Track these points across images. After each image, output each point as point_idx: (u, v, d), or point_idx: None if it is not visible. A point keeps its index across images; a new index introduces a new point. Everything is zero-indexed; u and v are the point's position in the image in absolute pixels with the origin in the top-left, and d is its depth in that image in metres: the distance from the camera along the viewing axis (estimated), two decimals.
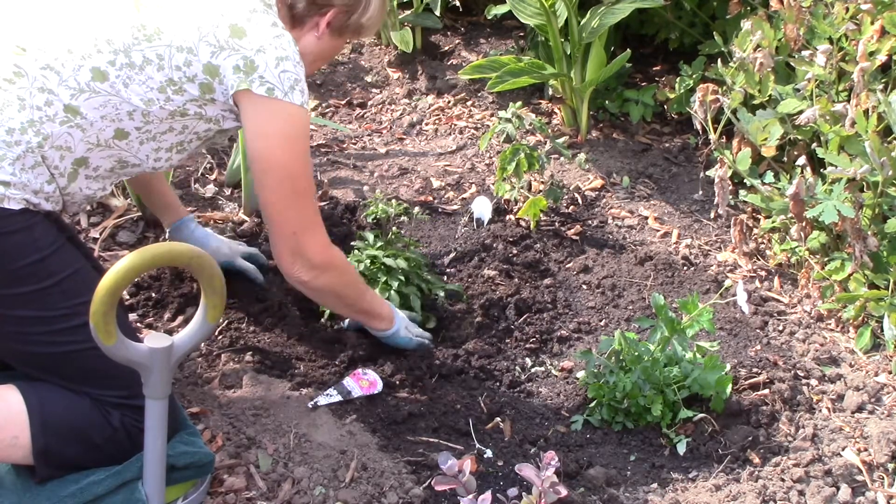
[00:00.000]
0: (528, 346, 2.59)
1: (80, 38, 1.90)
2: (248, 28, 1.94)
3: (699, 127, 2.98)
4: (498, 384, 2.46)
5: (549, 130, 3.41)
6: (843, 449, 2.26)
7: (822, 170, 2.71)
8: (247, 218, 3.01)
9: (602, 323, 2.71)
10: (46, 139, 1.87)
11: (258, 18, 1.97)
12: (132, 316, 2.53)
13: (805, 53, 2.87)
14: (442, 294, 2.63)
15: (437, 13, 4.14)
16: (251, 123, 1.99)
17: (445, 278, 2.82)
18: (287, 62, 1.96)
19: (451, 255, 2.89)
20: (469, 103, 3.86)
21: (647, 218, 3.18)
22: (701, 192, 3.29)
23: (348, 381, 2.35)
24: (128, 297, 2.58)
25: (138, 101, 1.92)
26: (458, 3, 4.33)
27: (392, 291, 2.53)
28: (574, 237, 3.06)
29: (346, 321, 2.57)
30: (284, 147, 2.01)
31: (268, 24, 1.98)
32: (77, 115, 1.89)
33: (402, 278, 2.54)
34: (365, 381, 2.35)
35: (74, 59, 1.88)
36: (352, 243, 2.73)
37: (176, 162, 2.12)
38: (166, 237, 2.66)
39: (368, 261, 2.55)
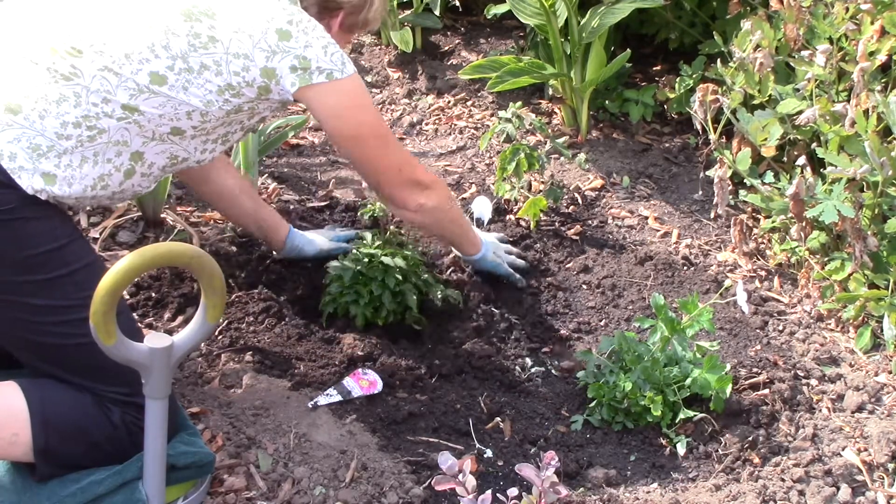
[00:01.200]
0: (528, 346, 2.59)
1: (137, 43, 1.91)
2: (292, 30, 2.01)
3: (699, 127, 2.98)
4: (498, 384, 2.46)
5: (549, 130, 3.41)
6: (843, 449, 2.26)
7: (822, 170, 2.71)
8: None
9: (602, 323, 2.71)
10: (102, 133, 1.90)
11: (295, 18, 2.04)
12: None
13: (805, 53, 2.87)
14: (440, 295, 2.63)
15: (437, 13, 4.13)
16: (324, 109, 2.11)
17: (445, 277, 2.81)
18: (331, 45, 2.07)
19: (451, 254, 2.89)
20: (469, 103, 3.86)
21: (647, 218, 3.18)
22: (701, 192, 3.29)
23: (348, 381, 2.35)
24: (128, 297, 2.58)
25: (198, 103, 1.97)
26: (458, 3, 4.32)
27: (388, 290, 2.52)
28: (574, 237, 3.06)
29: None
30: (360, 115, 2.17)
31: (305, 19, 2.06)
32: (135, 112, 1.92)
33: (400, 277, 2.54)
34: (365, 381, 2.35)
35: (132, 64, 1.90)
36: (350, 243, 2.73)
37: (218, 153, 2.19)
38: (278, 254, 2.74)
39: (366, 259, 2.54)
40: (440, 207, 2.41)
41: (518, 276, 2.76)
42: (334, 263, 2.58)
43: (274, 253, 2.76)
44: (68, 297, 1.85)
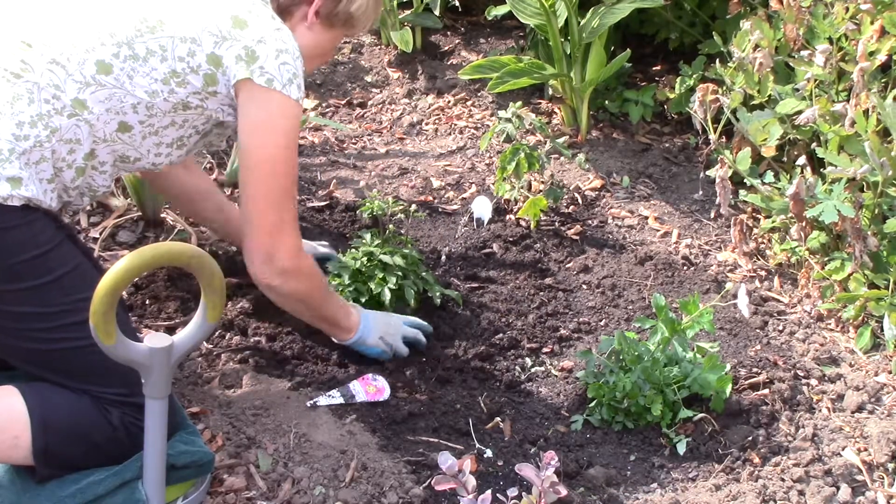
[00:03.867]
0: (528, 346, 2.59)
1: (84, 32, 1.91)
2: (250, 20, 1.96)
3: (699, 127, 2.98)
4: (498, 384, 2.46)
5: (549, 130, 3.41)
6: (843, 449, 2.26)
7: (822, 170, 2.71)
8: None
9: (602, 323, 2.71)
10: (55, 132, 1.87)
11: (258, 10, 2.00)
12: (132, 316, 2.53)
13: (804, 53, 2.87)
14: (438, 294, 2.63)
15: (437, 13, 4.14)
16: (247, 114, 2.00)
17: (444, 277, 2.81)
18: (286, 55, 1.98)
19: (451, 254, 2.89)
20: (469, 103, 3.86)
21: (647, 218, 3.18)
22: (701, 192, 3.29)
23: (354, 385, 2.34)
24: (127, 297, 2.58)
25: (142, 94, 1.94)
26: (457, 3, 4.32)
27: (387, 288, 2.51)
28: (574, 237, 3.06)
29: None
30: (273, 140, 2.03)
31: (268, 16, 2.01)
32: (84, 109, 1.90)
33: (399, 274, 2.54)
34: (372, 387, 2.34)
35: (79, 53, 1.89)
36: (349, 242, 2.73)
37: (175, 159, 2.13)
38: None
39: (365, 258, 2.54)
40: (294, 297, 2.21)
41: (405, 350, 2.46)
42: (334, 262, 2.58)
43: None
44: (56, 303, 1.84)
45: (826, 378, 2.51)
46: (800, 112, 2.77)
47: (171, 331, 2.43)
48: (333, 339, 2.44)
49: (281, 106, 1.99)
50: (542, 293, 2.79)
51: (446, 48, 4.23)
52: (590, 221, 3.14)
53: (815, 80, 2.82)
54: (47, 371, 1.89)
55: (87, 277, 1.83)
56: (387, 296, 2.50)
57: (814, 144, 2.85)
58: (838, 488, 2.14)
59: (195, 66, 1.94)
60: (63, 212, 2.03)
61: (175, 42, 1.93)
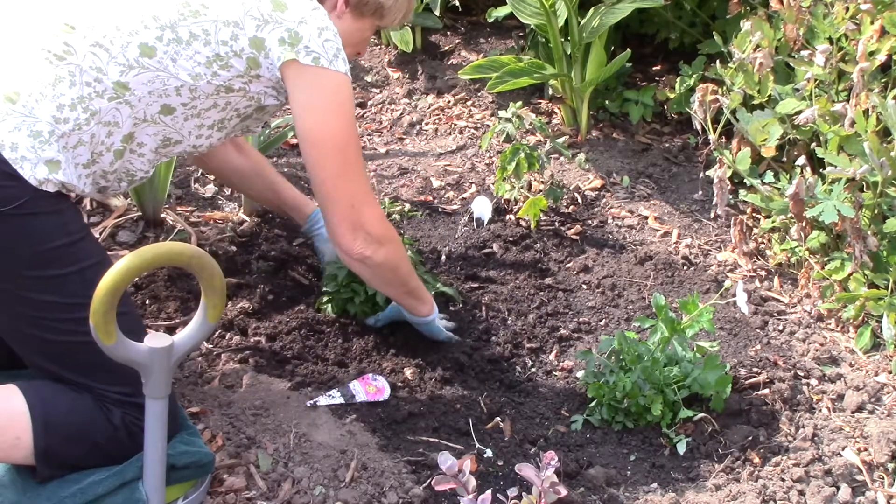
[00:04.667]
0: (528, 346, 2.59)
1: (127, 16, 1.92)
2: (289, 2, 1.98)
3: (699, 127, 2.98)
4: (498, 384, 2.46)
5: (549, 130, 3.41)
6: (843, 449, 2.26)
7: (821, 170, 2.71)
8: (247, 218, 3.01)
9: (602, 323, 2.71)
10: (94, 115, 1.88)
11: None
12: None
13: (804, 53, 2.87)
14: (439, 294, 2.63)
15: (437, 13, 4.14)
16: (299, 95, 2.01)
17: (444, 278, 2.81)
18: (328, 31, 2.00)
19: (451, 254, 2.89)
20: (469, 103, 3.86)
21: (647, 218, 3.18)
22: (701, 192, 3.29)
23: (354, 385, 2.34)
24: None
25: (186, 77, 1.95)
26: (457, 3, 4.32)
27: None
28: (574, 237, 3.06)
29: (377, 317, 2.53)
30: (333, 117, 2.04)
31: None
32: (126, 91, 1.91)
33: None
34: (372, 387, 2.34)
35: (122, 36, 1.90)
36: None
37: (216, 141, 2.14)
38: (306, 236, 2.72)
39: None
40: (388, 265, 2.20)
41: (455, 337, 2.55)
42: (330, 262, 2.58)
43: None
44: (76, 295, 1.83)
45: (826, 378, 2.51)
46: (800, 112, 2.77)
47: (171, 331, 2.43)
48: (409, 317, 2.43)
49: (331, 81, 2.01)
50: (542, 293, 2.79)
51: (446, 48, 4.23)
52: (590, 221, 3.14)
53: (815, 80, 2.82)
54: (55, 363, 1.89)
55: None
56: (383, 296, 2.50)
57: (814, 144, 2.85)
58: (838, 488, 2.15)
59: (238, 50, 1.96)
60: (105, 196, 2.01)
61: (218, 26, 1.94)
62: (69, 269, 1.84)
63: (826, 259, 2.78)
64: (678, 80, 3.50)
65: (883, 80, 2.81)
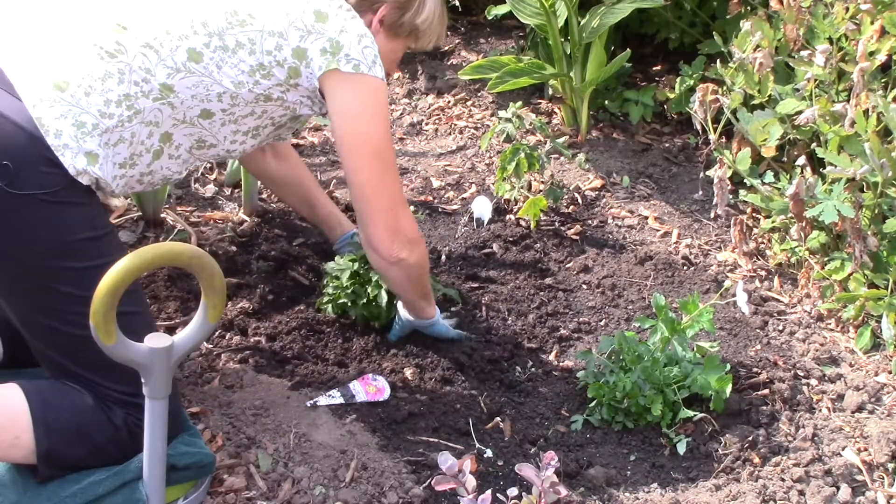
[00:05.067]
0: (528, 346, 2.59)
1: (178, 20, 1.96)
2: (330, 13, 2.02)
3: (699, 127, 2.98)
4: (498, 384, 2.46)
5: (549, 130, 3.41)
6: (843, 449, 2.26)
7: (821, 170, 2.71)
8: (247, 218, 3.01)
9: (602, 323, 2.71)
10: (137, 114, 1.91)
11: (335, 2, 2.05)
12: None
13: (804, 53, 2.87)
14: (439, 294, 2.63)
15: None
16: (339, 102, 2.05)
17: (444, 278, 2.81)
18: (367, 38, 2.04)
19: (451, 254, 2.89)
20: (469, 103, 3.86)
21: (647, 218, 3.18)
22: (701, 192, 3.29)
23: (354, 385, 2.34)
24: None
25: (229, 84, 1.98)
26: (457, 3, 4.32)
27: (384, 290, 2.50)
28: (574, 237, 3.06)
29: (394, 330, 2.53)
30: (372, 122, 2.09)
31: (344, 7, 2.06)
32: (171, 93, 1.94)
33: None
34: (372, 387, 2.34)
35: (172, 40, 1.94)
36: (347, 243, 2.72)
37: (249, 148, 2.18)
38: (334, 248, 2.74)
39: (361, 261, 2.52)
40: (419, 266, 2.25)
41: (463, 333, 2.58)
42: (331, 264, 2.57)
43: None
44: (94, 289, 1.84)
45: (826, 378, 2.51)
46: (800, 112, 2.77)
47: (171, 331, 2.43)
48: (416, 323, 2.46)
49: (370, 87, 2.05)
50: (542, 293, 2.79)
51: (446, 48, 4.23)
52: (590, 221, 3.14)
53: (815, 80, 2.82)
54: (68, 357, 1.89)
55: None
56: (384, 298, 2.49)
57: (814, 144, 2.85)
58: (838, 488, 2.15)
59: (281, 60, 2.00)
60: (106, 195, 2.04)
61: (263, 36, 1.98)
62: (91, 262, 1.84)
63: (826, 259, 2.78)
64: (678, 80, 3.50)
65: (883, 80, 2.81)
